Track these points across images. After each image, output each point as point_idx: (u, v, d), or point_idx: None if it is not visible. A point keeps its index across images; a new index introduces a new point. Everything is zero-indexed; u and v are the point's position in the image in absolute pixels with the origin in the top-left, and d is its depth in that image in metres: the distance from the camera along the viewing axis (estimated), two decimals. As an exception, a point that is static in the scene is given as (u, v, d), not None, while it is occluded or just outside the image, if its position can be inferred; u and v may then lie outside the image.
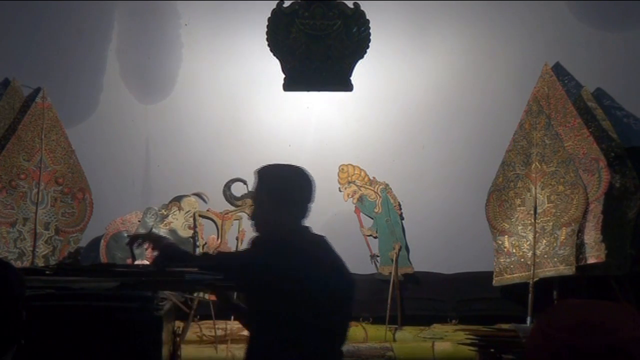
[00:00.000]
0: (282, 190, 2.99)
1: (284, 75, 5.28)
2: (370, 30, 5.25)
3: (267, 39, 5.23)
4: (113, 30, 5.81)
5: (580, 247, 5.25)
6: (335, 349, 2.97)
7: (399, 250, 5.61)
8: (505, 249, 5.35)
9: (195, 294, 4.62)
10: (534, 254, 5.24)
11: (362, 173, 5.75)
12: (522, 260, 5.29)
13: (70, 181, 5.40)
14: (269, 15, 5.25)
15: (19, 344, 1.92)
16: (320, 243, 3.01)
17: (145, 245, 3.53)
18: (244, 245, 5.57)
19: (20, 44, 5.69)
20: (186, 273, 3.14)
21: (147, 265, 5.45)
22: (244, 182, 5.66)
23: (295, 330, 2.82)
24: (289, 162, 5.80)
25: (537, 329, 1.58)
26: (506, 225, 5.35)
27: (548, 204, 5.26)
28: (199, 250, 5.53)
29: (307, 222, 3.02)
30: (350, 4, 5.28)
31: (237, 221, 5.62)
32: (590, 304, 1.62)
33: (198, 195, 5.70)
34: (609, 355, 1.48)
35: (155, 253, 3.18)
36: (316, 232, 3.03)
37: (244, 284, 2.97)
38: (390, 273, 5.53)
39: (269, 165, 3.10)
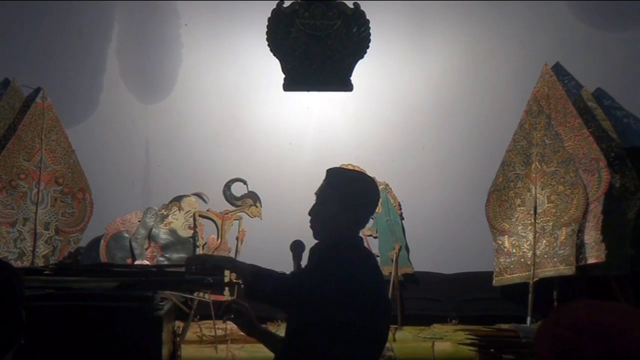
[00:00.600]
0: (353, 196, 2.96)
1: (284, 75, 5.28)
2: (370, 30, 5.25)
3: (267, 39, 5.23)
4: (113, 30, 5.81)
5: (580, 247, 5.24)
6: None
7: (399, 250, 5.61)
8: (505, 249, 5.35)
9: (195, 294, 4.62)
10: (534, 254, 5.24)
11: (362, 173, 5.74)
12: (522, 260, 5.28)
13: (70, 181, 5.40)
14: (269, 15, 5.25)
15: (19, 344, 1.92)
16: (371, 256, 3.01)
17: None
18: (244, 246, 5.57)
19: (20, 44, 5.69)
20: (186, 273, 3.13)
21: (147, 265, 5.46)
22: (244, 182, 5.66)
23: (339, 341, 2.79)
24: (288, 161, 5.83)
25: (545, 328, 1.58)
26: (506, 225, 5.35)
27: (548, 204, 5.26)
28: (198, 250, 5.53)
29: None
30: (350, 4, 5.27)
31: (237, 221, 5.62)
32: (599, 305, 1.61)
33: (198, 195, 5.70)
34: (616, 358, 1.48)
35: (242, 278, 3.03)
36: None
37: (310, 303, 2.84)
38: (390, 273, 5.53)
39: (343, 168, 3.08)
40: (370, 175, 5.69)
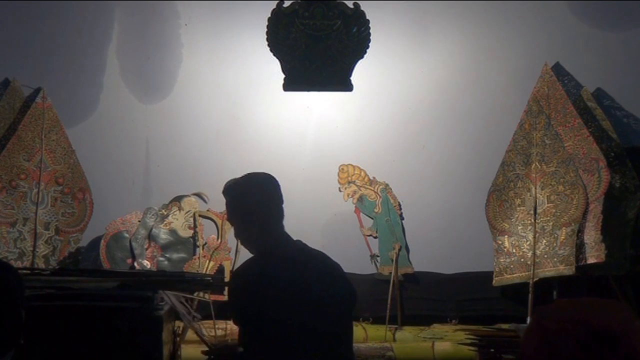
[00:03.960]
0: (244, 203, 2.97)
1: (284, 75, 5.28)
2: (370, 30, 5.25)
3: (267, 39, 5.23)
4: (113, 30, 5.81)
5: (580, 247, 5.25)
6: (340, 355, 2.95)
7: (399, 250, 5.60)
8: (505, 249, 5.35)
9: (195, 294, 4.62)
10: (534, 254, 5.24)
11: (362, 173, 5.75)
12: (522, 260, 5.29)
13: (70, 181, 5.40)
14: (269, 15, 5.25)
15: (19, 344, 1.92)
16: (305, 249, 3.01)
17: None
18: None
19: (20, 44, 5.69)
20: (186, 273, 3.15)
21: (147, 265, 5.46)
22: (244, 182, 5.66)
23: (292, 338, 2.81)
24: (288, 161, 5.83)
25: (533, 322, 1.60)
26: (506, 225, 5.35)
27: (548, 204, 5.26)
28: (199, 250, 5.54)
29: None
30: (350, 4, 5.27)
31: (237, 221, 5.62)
32: (585, 301, 1.66)
33: (198, 195, 5.70)
34: (600, 346, 1.50)
35: None
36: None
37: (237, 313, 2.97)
38: (390, 273, 5.53)
39: (228, 182, 3.08)
40: (369, 175, 5.77)
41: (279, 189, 3.06)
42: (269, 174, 3.10)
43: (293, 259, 2.92)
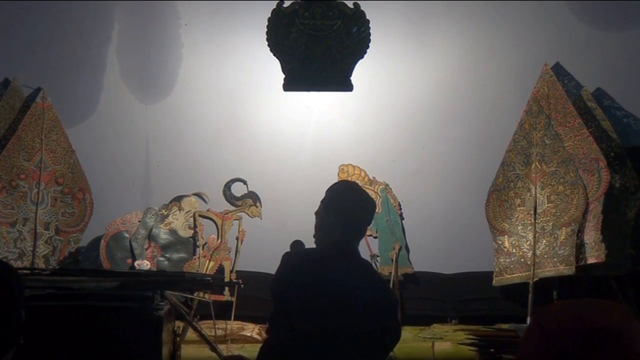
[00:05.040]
0: (339, 210, 2.98)
1: (284, 75, 5.28)
2: (370, 30, 5.25)
3: (267, 39, 5.23)
4: (113, 30, 5.81)
5: (580, 247, 5.25)
6: None
7: (399, 250, 5.61)
8: (505, 249, 5.35)
9: (195, 294, 4.62)
10: (534, 254, 5.23)
11: (362, 173, 5.75)
12: (522, 260, 5.29)
13: (70, 181, 5.40)
14: (269, 15, 5.25)
15: (19, 344, 1.92)
16: (362, 264, 3.02)
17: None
18: (244, 246, 5.57)
19: (20, 44, 5.69)
20: (186, 273, 3.15)
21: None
22: (244, 182, 5.66)
23: (323, 343, 2.81)
24: (288, 161, 5.83)
25: (533, 322, 1.61)
26: (506, 225, 5.35)
27: (548, 204, 5.26)
28: (199, 250, 5.54)
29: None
30: (350, 4, 5.27)
31: (237, 221, 5.62)
32: (585, 301, 1.66)
33: (198, 195, 5.70)
34: (600, 346, 1.50)
35: None
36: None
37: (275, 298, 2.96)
38: (390, 273, 5.54)
39: (338, 182, 3.14)
40: (369, 175, 5.77)
41: (374, 215, 3.16)
42: (368, 195, 3.21)
43: (347, 267, 2.93)
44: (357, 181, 5.72)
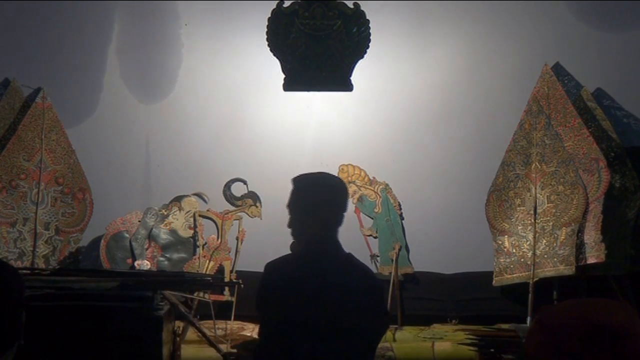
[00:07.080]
0: (305, 199, 2.96)
1: (284, 75, 5.28)
2: (370, 30, 5.25)
3: (267, 39, 5.23)
4: (113, 31, 5.81)
5: (580, 247, 5.24)
6: (365, 355, 2.95)
7: (399, 250, 5.60)
8: (505, 249, 5.35)
9: (195, 294, 4.62)
10: (534, 254, 5.23)
11: (362, 173, 5.75)
12: (522, 260, 5.28)
13: (70, 181, 5.41)
14: (269, 15, 5.25)
15: (19, 344, 1.92)
16: (344, 259, 3.00)
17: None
18: (244, 246, 5.57)
19: (20, 44, 5.69)
20: (186, 273, 3.15)
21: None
22: (244, 182, 5.66)
23: (316, 343, 2.81)
24: (288, 161, 5.82)
25: (537, 321, 1.61)
26: (506, 225, 5.35)
27: (548, 204, 5.26)
28: (199, 250, 5.54)
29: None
30: (350, 4, 5.28)
31: (237, 221, 5.62)
32: (588, 300, 1.69)
33: (198, 195, 5.70)
34: (603, 345, 1.50)
35: None
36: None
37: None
38: (390, 273, 5.53)
39: (302, 174, 3.07)
40: (369, 175, 5.77)
41: (348, 197, 3.09)
42: (342, 180, 3.12)
43: (335, 267, 2.91)
44: (356, 181, 5.73)
